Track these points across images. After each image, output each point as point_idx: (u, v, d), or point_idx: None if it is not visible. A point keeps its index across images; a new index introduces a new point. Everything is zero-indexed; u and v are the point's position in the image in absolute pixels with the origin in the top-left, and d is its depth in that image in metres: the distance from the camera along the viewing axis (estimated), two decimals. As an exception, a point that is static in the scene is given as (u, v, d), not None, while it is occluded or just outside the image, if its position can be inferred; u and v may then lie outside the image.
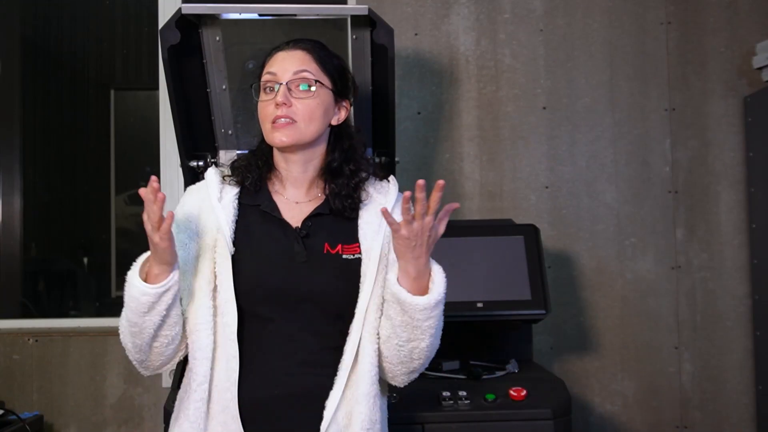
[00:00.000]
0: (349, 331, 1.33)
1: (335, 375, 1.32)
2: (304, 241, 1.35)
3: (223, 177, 1.40)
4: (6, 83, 3.36)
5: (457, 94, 2.58)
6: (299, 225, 1.37)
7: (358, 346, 1.32)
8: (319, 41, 1.42)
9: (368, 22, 1.77)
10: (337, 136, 1.42)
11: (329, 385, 1.31)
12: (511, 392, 1.62)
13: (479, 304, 1.81)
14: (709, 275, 2.53)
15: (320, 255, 1.36)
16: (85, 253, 4.19)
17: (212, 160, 1.89)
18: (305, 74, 1.33)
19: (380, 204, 1.39)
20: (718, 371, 2.50)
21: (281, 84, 1.32)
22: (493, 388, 1.68)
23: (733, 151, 2.54)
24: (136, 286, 1.22)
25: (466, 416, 1.56)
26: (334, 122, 1.40)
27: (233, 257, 1.30)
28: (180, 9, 1.69)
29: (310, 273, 1.33)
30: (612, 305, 2.53)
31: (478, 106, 2.57)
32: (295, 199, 1.39)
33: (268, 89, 1.34)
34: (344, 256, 1.36)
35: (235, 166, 1.41)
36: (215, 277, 1.30)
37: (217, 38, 1.85)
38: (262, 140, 1.40)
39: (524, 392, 1.61)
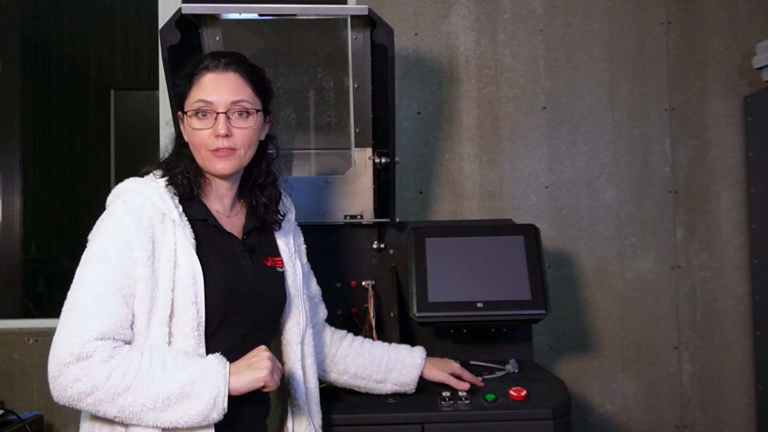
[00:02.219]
0: (286, 348, 1.45)
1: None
2: (250, 255, 1.39)
3: (166, 186, 1.32)
4: (6, 83, 3.36)
5: (457, 94, 2.58)
6: (240, 239, 1.39)
7: (303, 362, 1.46)
8: (241, 54, 1.40)
9: (368, 22, 1.77)
10: (260, 148, 1.43)
11: (271, 400, 1.43)
12: (511, 392, 1.61)
13: (479, 304, 1.81)
14: (709, 275, 2.53)
15: (264, 267, 1.41)
16: (85, 253, 4.19)
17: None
18: (244, 104, 1.33)
19: (289, 221, 1.52)
20: (718, 371, 2.50)
21: (220, 113, 1.30)
22: (493, 388, 1.68)
23: (733, 151, 2.54)
24: (220, 412, 1.18)
25: (466, 416, 1.55)
26: (262, 137, 1.42)
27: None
28: (180, 9, 1.69)
29: (261, 286, 1.37)
30: (612, 305, 2.53)
31: (478, 106, 2.57)
32: (223, 212, 1.40)
33: (201, 114, 1.31)
34: (277, 269, 1.44)
35: (173, 175, 1.34)
36: (172, 300, 1.23)
37: (217, 38, 1.85)
38: (184, 145, 1.38)
39: (524, 392, 1.61)
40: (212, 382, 1.17)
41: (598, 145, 2.57)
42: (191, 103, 1.33)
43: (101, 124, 4.75)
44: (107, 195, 1.34)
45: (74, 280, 1.22)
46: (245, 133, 1.33)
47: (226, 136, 1.30)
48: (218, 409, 1.17)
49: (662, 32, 2.58)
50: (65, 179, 4.62)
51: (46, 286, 4.12)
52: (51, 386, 1.15)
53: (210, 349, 1.26)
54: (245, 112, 1.33)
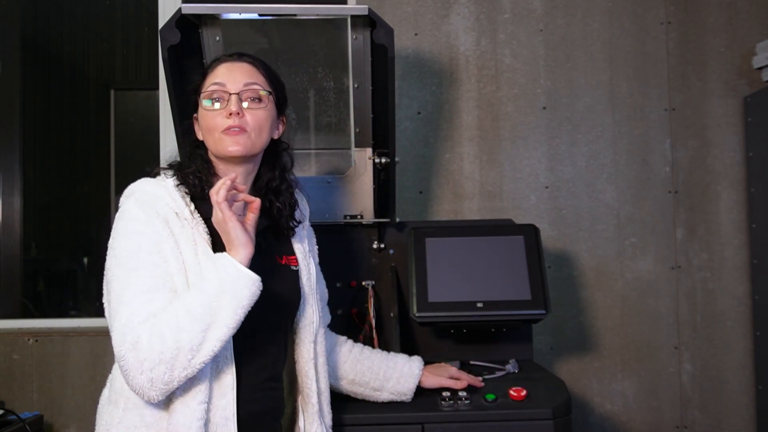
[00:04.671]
0: (299, 347, 1.45)
1: (283, 389, 1.43)
2: (264, 254, 1.39)
3: (177, 186, 1.33)
4: (6, 83, 3.36)
5: (457, 94, 2.58)
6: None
7: (316, 361, 1.46)
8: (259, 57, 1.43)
9: (368, 22, 1.77)
10: (274, 151, 1.44)
11: (284, 400, 1.44)
12: (511, 392, 1.61)
13: (479, 304, 1.81)
14: (709, 275, 2.53)
15: (278, 266, 1.42)
16: (85, 253, 4.20)
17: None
18: (255, 86, 1.35)
19: (304, 227, 1.53)
20: (718, 371, 2.50)
21: (232, 94, 1.32)
22: (493, 388, 1.68)
23: (733, 151, 2.54)
24: (248, 277, 1.19)
25: (466, 416, 1.55)
26: (275, 136, 1.43)
27: None
28: (180, 9, 1.69)
29: (275, 285, 1.37)
30: (612, 305, 2.53)
31: (478, 106, 2.57)
32: (236, 211, 1.38)
33: (215, 98, 1.33)
34: (292, 267, 1.45)
35: (185, 174, 1.35)
36: None
37: (217, 38, 1.85)
38: (198, 146, 1.39)
39: (524, 392, 1.61)
40: (220, 263, 1.20)
41: (598, 145, 2.57)
42: (205, 89, 1.35)
43: (101, 124, 4.75)
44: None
45: (108, 283, 1.23)
46: (257, 115, 1.34)
47: (237, 114, 1.31)
48: (243, 275, 1.19)
49: (662, 32, 2.58)
50: (65, 179, 4.62)
51: (46, 286, 4.11)
52: (131, 385, 1.16)
53: (235, 344, 1.27)
54: (257, 98, 1.34)
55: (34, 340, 2.46)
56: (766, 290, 2.40)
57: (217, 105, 1.33)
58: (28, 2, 4.40)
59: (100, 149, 4.72)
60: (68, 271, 4.17)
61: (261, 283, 1.21)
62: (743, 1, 2.57)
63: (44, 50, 4.59)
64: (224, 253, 1.22)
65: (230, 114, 1.31)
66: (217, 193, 1.22)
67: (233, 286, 1.18)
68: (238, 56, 1.38)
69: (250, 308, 1.20)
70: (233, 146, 1.32)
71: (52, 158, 4.59)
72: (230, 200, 1.24)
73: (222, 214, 1.22)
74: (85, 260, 4.16)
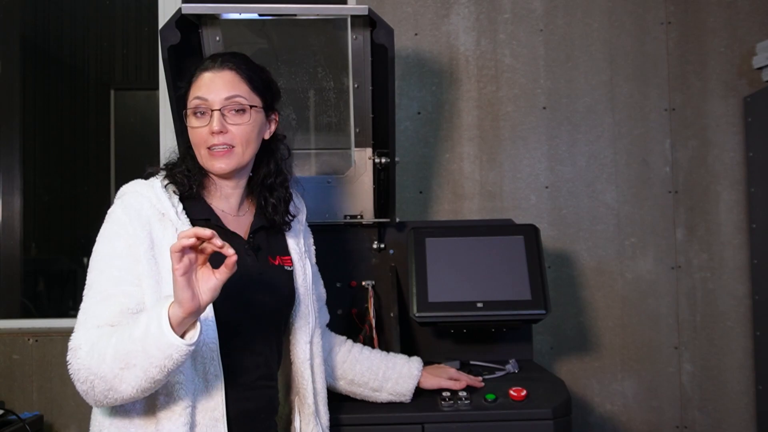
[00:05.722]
0: (295, 348, 1.44)
1: (277, 387, 1.43)
2: (256, 254, 1.38)
3: (165, 186, 1.31)
4: (6, 83, 3.36)
5: (457, 94, 2.58)
6: (246, 239, 1.39)
7: (312, 361, 1.46)
8: (243, 54, 1.39)
9: (368, 22, 1.77)
10: (267, 147, 1.43)
11: (278, 398, 1.44)
12: (511, 392, 1.61)
13: (479, 304, 1.81)
14: (709, 275, 2.53)
15: (271, 267, 1.40)
16: (85, 253, 4.19)
17: None
18: (238, 99, 1.31)
19: (300, 222, 1.52)
20: (718, 371, 2.50)
21: (214, 110, 1.29)
22: (493, 388, 1.68)
23: (733, 151, 2.54)
24: (166, 341, 1.06)
25: (466, 416, 1.55)
26: (266, 137, 1.41)
27: None
28: (180, 9, 1.69)
29: (267, 285, 1.36)
30: (612, 305, 2.53)
31: (478, 106, 2.57)
32: (229, 211, 1.39)
33: (198, 113, 1.31)
34: (286, 268, 1.43)
35: (174, 173, 1.34)
36: None
37: (217, 38, 1.85)
38: (189, 147, 1.38)
39: (524, 392, 1.61)
40: (154, 312, 1.10)
41: (598, 145, 2.57)
42: (189, 102, 1.34)
43: (101, 124, 4.75)
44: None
45: (85, 286, 1.23)
46: (241, 129, 1.31)
47: (221, 132, 1.29)
48: (163, 336, 1.06)
49: (662, 32, 2.58)
50: (65, 179, 4.62)
51: (46, 286, 4.11)
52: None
53: (220, 349, 1.25)
54: (241, 109, 1.31)
55: (34, 340, 2.46)
56: (766, 290, 2.40)
57: (201, 120, 1.31)
58: (28, 2, 4.40)
59: (100, 149, 4.72)
60: (68, 271, 4.17)
61: (186, 348, 1.07)
62: (743, 1, 2.57)
63: (44, 50, 4.60)
64: (168, 301, 1.09)
65: (213, 133, 1.29)
66: (179, 241, 1.06)
67: (150, 343, 1.07)
68: (221, 63, 1.34)
69: (170, 369, 1.08)
70: (220, 164, 1.31)
71: (52, 158, 4.59)
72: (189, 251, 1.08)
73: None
74: (85, 260, 4.15)
